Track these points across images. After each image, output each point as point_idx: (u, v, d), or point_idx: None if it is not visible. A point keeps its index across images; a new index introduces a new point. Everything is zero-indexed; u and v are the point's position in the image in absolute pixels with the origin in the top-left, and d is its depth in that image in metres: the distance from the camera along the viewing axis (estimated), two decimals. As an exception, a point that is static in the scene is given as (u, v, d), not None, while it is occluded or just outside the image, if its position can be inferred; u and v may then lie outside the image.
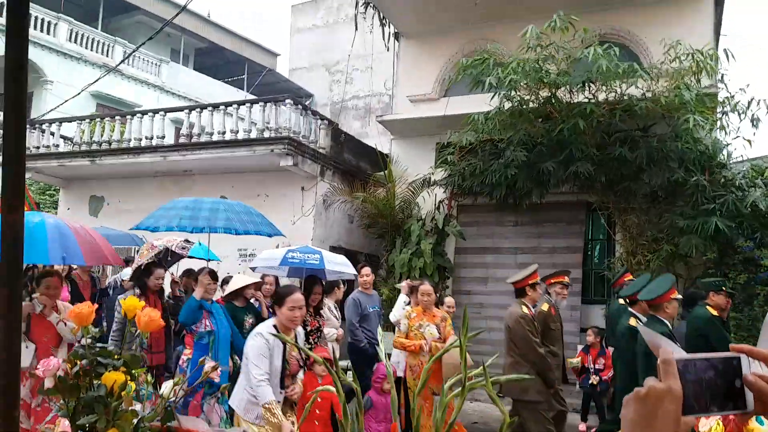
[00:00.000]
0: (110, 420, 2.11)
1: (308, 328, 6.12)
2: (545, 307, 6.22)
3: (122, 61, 15.35)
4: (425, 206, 11.28)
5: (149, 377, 2.41)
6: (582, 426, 7.84)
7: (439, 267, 10.52)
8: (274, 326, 4.08)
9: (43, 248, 3.90)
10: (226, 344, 5.51)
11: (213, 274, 5.61)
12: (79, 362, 2.21)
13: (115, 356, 2.31)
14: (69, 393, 2.20)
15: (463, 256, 11.18)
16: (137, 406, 2.36)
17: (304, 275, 6.93)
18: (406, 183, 11.31)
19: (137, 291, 5.99)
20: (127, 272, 7.63)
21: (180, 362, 5.61)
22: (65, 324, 4.93)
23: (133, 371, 2.28)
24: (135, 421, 2.23)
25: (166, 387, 2.37)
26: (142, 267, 6.27)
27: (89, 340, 2.25)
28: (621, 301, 6.59)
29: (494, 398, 1.78)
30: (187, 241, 7.43)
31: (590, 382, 7.65)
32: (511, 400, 5.76)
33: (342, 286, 7.62)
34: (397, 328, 6.62)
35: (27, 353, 4.67)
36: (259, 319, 6.06)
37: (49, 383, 2.21)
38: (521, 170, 9.58)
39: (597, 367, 7.69)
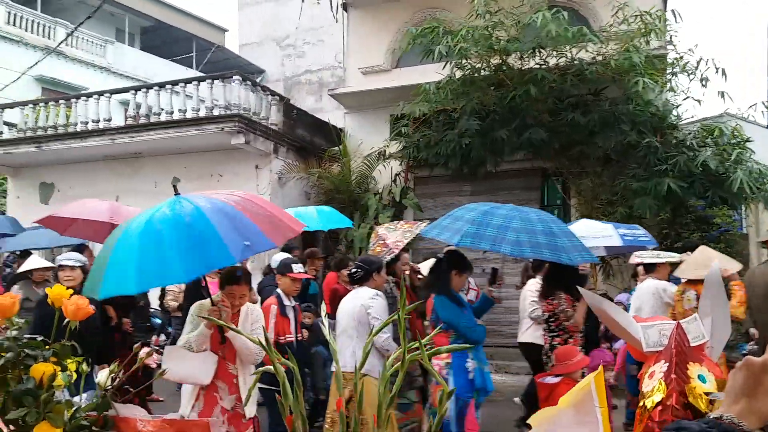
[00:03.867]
0: (41, 412, 2.00)
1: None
2: None
3: (62, 42, 14.76)
4: (382, 180, 11.20)
5: (84, 366, 2.28)
6: None
7: (398, 240, 10.47)
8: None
9: (220, 245, 2.74)
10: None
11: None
12: (4, 355, 2.08)
13: (45, 347, 2.18)
14: (-4, 387, 2.08)
15: (421, 228, 11.15)
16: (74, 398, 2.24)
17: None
18: (362, 157, 11.20)
19: (390, 278, 5.21)
20: (279, 257, 6.22)
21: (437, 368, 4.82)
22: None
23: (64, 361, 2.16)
24: (71, 411, 2.12)
25: (102, 375, 2.26)
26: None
27: (14, 332, 2.11)
28: None
29: (430, 368, 1.74)
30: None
31: None
32: None
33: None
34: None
35: (206, 366, 3.82)
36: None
37: (-27, 379, 2.08)
38: (475, 139, 9.55)
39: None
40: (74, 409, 2.16)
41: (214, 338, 3.84)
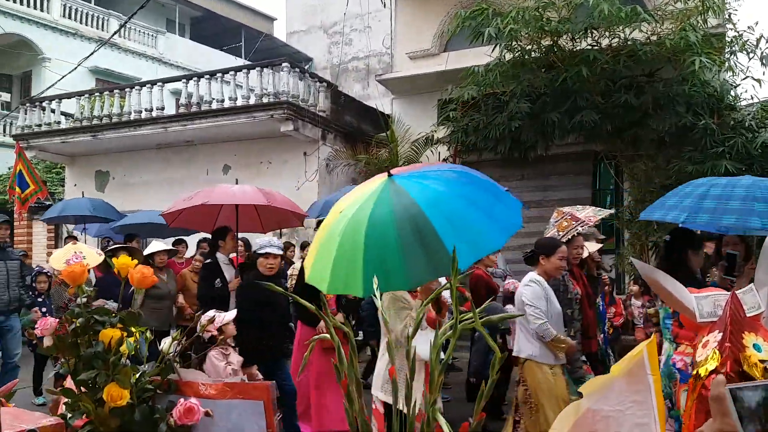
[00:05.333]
0: (110, 374, 2.11)
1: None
2: None
3: (115, 33, 15.18)
4: (429, 165, 11.17)
5: (148, 334, 2.39)
6: None
7: (446, 225, 10.46)
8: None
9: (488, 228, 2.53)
10: None
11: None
12: (75, 321, 2.20)
13: (112, 314, 2.29)
14: (68, 351, 2.20)
15: (470, 213, 11.10)
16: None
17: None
18: (409, 142, 11.20)
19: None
20: None
21: None
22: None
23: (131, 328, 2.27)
24: (136, 375, 2.23)
25: (166, 342, 2.36)
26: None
27: (84, 299, 2.23)
28: None
29: (484, 334, 1.75)
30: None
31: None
32: None
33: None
34: None
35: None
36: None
37: (48, 342, 2.21)
38: (525, 122, 9.43)
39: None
40: (139, 373, 2.27)
41: (430, 315, 4.00)
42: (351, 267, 2.45)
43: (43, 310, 7.49)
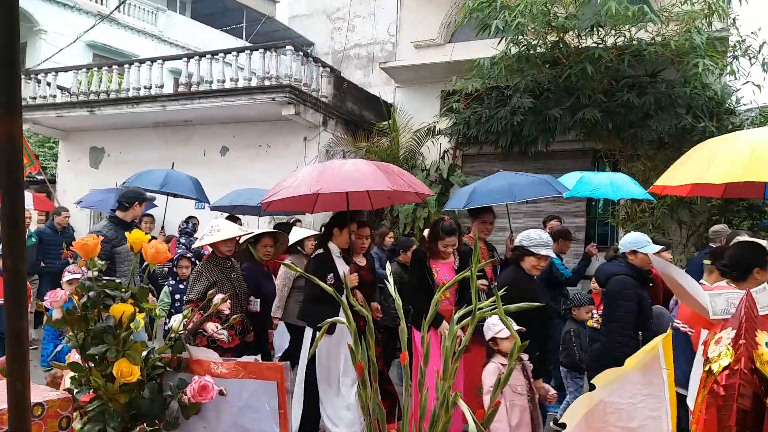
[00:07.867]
0: (120, 350, 2.09)
1: None
2: None
3: (116, 9, 15.06)
4: (430, 156, 11.16)
5: (157, 311, 2.38)
6: None
7: (443, 217, 10.47)
8: None
9: None
10: None
11: None
12: (86, 294, 2.18)
13: (123, 289, 2.27)
14: (77, 325, 2.18)
15: (467, 206, 11.11)
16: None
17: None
18: (411, 132, 11.17)
19: None
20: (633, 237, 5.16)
21: None
22: None
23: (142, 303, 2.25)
24: (145, 353, 2.22)
25: (175, 320, 2.35)
26: None
27: (96, 273, 2.21)
28: None
29: (506, 322, 1.76)
30: None
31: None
32: None
33: None
34: None
35: None
36: None
37: (57, 315, 2.19)
38: (527, 117, 9.43)
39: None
40: (149, 350, 2.25)
41: None
42: None
43: (176, 297, 6.80)
